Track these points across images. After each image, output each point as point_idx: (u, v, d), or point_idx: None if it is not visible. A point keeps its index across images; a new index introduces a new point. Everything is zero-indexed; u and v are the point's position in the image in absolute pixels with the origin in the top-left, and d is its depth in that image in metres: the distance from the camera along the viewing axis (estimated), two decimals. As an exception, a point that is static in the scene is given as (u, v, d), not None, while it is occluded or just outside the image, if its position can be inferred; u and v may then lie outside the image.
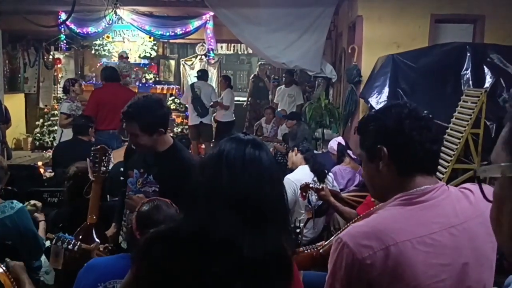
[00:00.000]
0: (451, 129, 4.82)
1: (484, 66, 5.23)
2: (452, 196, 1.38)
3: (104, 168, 2.95)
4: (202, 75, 8.76)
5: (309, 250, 2.46)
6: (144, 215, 2.02)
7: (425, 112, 1.43)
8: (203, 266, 1.18)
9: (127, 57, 9.92)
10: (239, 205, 1.21)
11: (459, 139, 4.59)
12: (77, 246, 2.58)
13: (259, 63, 12.14)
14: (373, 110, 1.54)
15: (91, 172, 2.95)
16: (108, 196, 3.81)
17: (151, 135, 2.53)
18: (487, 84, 5.11)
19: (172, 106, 10.23)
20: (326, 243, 2.38)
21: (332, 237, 2.43)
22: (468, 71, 5.28)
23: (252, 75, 12.02)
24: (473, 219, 1.35)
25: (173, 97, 10.31)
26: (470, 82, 5.23)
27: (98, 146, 3.00)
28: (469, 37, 6.36)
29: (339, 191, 4.39)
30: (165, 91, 10.24)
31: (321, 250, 2.32)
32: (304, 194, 3.77)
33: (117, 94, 5.72)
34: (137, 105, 2.57)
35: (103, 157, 2.95)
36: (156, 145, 2.60)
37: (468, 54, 5.30)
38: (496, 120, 4.80)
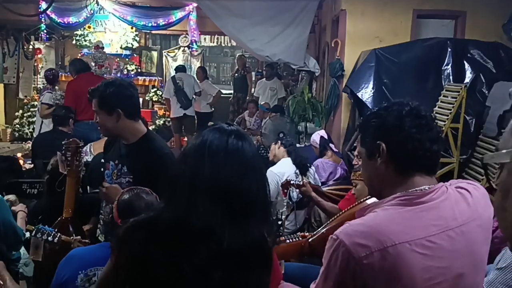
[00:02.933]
0: (431, 123, 4.86)
1: (465, 62, 5.28)
2: (451, 197, 1.37)
3: (78, 162, 2.89)
4: (182, 68, 8.78)
5: (292, 240, 2.47)
6: (125, 203, 2.00)
7: (427, 112, 1.43)
8: (182, 255, 1.18)
9: (103, 47, 9.73)
10: (220, 195, 1.19)
11: (439, 133, 4.64)
12: (57, 238, 2.55)
13: (238, 54, 11.92)
14: (375, 108, 1.53)
15: (63, 166, 2.90)
16: (88, 187, 3.78)
17: (109, 113, 2.48)
18: (467, 80, 5.17)
19: (154, 98, 10.13)
20: (315, 233, 2.38)
21: (321, 228, 2.42)
22: (449, 66, 5.33)
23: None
24: (471, 222, 1.34)
25: (155, 89, 10.21)
26: (451, 77, 5.28)
27: (70, 140, 2.93)
28: (451, 33, 6.43)
29: (320, 184, 4.42)
30: (147, 83, 10.15)
31: (310, 240, 2.32)
32: (285, 191, 3.78)
33: (92, 83, 5.52)
34: (102, 82, 2.58)
35: (76, 151, 2.88)
36: (122, 131, 2.55)
37: (449, 50, 5.35)
38: (476, 115, 4.87)
